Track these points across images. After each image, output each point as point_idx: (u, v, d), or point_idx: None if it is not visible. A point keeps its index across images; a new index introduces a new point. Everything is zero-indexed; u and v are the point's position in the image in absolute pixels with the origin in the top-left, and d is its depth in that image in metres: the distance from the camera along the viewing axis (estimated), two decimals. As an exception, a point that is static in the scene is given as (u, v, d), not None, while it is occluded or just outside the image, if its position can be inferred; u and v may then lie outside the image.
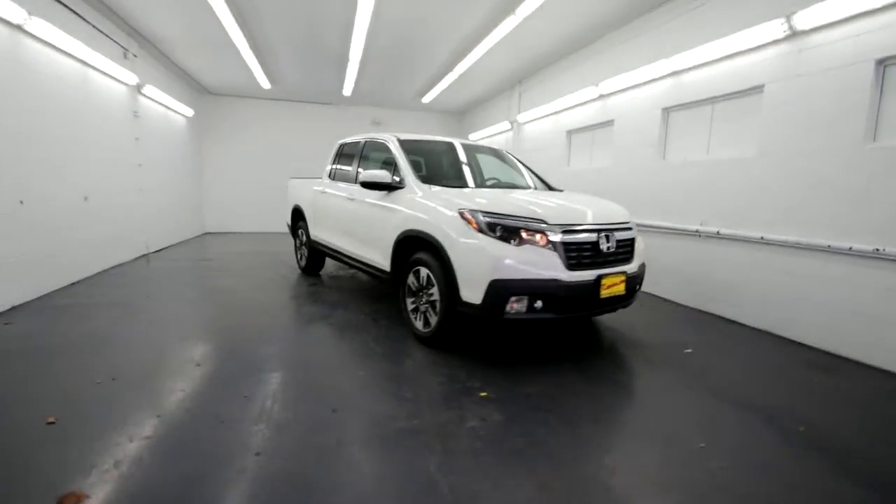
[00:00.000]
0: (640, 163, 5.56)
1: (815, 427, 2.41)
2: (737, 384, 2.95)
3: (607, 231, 3.20)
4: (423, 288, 3.38)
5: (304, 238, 5.88)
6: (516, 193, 3.70)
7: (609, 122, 6.18)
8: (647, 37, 5.34)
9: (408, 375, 2.92)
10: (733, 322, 4.33)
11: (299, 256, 6.26)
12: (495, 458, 2.01)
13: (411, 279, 3.51)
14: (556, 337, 3.77)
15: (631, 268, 3.33)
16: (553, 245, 2.94)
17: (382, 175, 3.81)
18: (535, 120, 8.18)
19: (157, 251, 7.65)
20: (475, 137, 11.09)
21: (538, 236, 2.93)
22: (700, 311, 4.69)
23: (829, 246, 3.49)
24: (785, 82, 3.85)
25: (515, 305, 2.89)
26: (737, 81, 4.29)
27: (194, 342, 3.38)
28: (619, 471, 1.97)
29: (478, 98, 10.33)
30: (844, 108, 3.43)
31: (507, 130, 9.30)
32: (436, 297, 3.22)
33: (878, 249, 3.19)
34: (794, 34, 3.73)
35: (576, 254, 3.01)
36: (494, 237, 2.92)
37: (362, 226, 4.25)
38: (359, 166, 4.70)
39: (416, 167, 3.97)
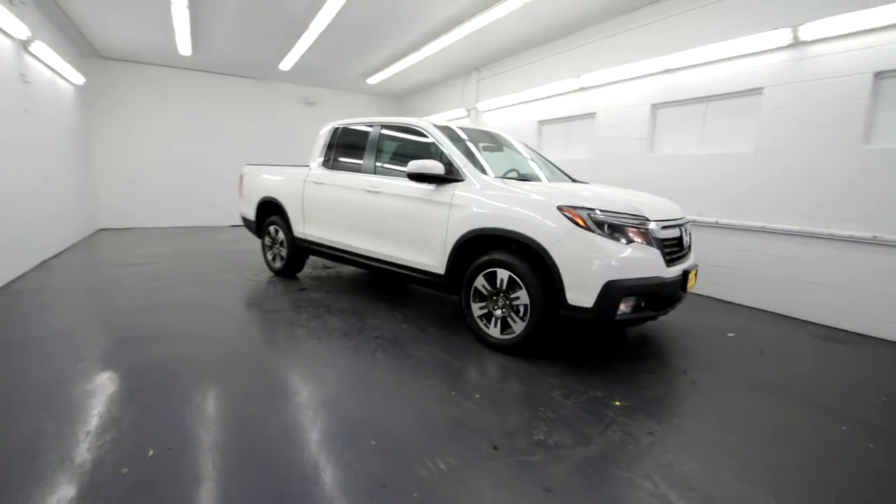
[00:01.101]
0: (627, 156, 5.81)
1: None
2: (788, 355, 3.25)
3: (683, 225, 3.26)
4: (502, 291, 3.09)
5: (283, 236, 5.06)
6: (566, 186, 3.56)
7: (590, 115, 6.35)
8: (636, 33, 5.54)
9: (525, 393, 2.63)
10: (728, 303, 4.79)
11: (271, 257, 5.39)
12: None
13: (481, 282, 3.20)
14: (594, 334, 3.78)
15: (694, 261, 3.44)
16: (655, 242, 2.89)
17: (436, 166, 3.38)
18: (499, 109, 8.09)
19: (55, 256, 6.01)
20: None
21: (639, 233, 2.85)
22: (698, 294, 5.09)
23: (829, 234, 4.00)
24: (785, 86, 4.28)
25: (623, 307, 2.78)
26: (735, 83, 4.66)
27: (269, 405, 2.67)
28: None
29: (426, 83, 9.91)
30: (843, 113, 3.91)
31: (464, 117, 9.09)
32: (523, 300, 2.97)
33: (875, 236, 3.73)
34: (796, 43, 4.14)
35: (668, 250, 3.00)
36: (604, 235, 2.76)
37: (397, 223, 3.75)
38: (377, 155, 4.13)
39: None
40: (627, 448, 2.09)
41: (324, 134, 4.77)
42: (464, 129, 3.96)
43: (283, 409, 2.31)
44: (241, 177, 5.81)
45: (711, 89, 4.88)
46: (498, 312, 3.15)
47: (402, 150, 4.09)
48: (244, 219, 5.87)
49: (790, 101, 4.25)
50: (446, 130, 3.77)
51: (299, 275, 5.41)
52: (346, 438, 2.06)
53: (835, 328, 4.01)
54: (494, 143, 4.32)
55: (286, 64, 8.36)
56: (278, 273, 5.30)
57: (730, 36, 4.56)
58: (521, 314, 3.02)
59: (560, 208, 2.84)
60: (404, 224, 3.70)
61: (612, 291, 2.70)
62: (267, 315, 3.84)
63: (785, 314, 4.37)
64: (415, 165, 3.41)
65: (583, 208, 2.81)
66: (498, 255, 3.10)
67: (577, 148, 6.67)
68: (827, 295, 4.05)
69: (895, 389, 2.87)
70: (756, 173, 4.54)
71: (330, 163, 4.57)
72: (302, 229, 4.76)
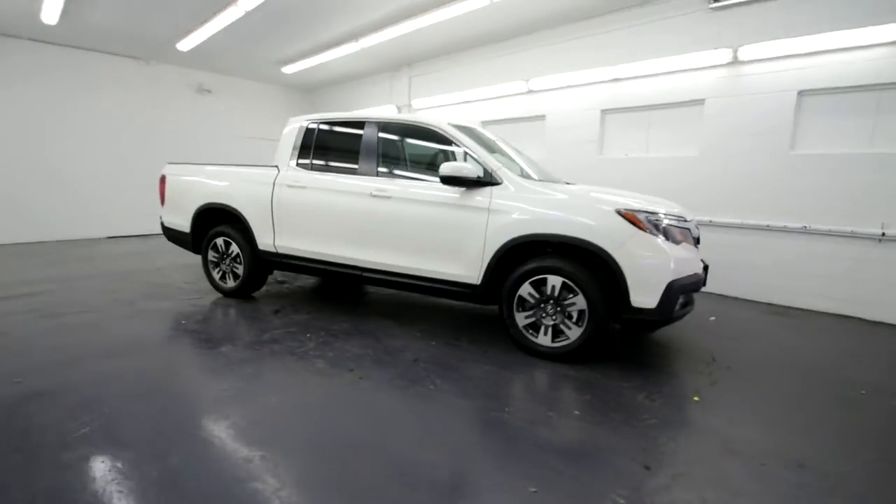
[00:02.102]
0: (578, 157, 6.15)
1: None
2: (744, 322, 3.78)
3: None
4: (553, 298, 3.00)
5: (237, 250, 4.24)
6: (575, 187, 3.60)
7: (540, 117, 6.57)
8: (586, 42, 5.88)
9: (615, 402, 2.56)
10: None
11: (218, 275, 4.47)
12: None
13: (527, 290, 3.06)
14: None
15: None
16: (693, 240, 3.07)
17: (470, 169, 3.13)
18: (436, 107, 7.92)
19: None
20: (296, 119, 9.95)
21: (682, 233, 3.00)
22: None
23: (767, 225, 4.74)
24: (725, 99, 4.93)
25: (677, 305, 2.90)
26: (680, 94, 5.23)
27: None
28: None
29: (348, 75, 9.26)
30: (773, 123, 4.66)
31: (394, 115, 8.70)
32: (580, 306, 2.92)
33: (805, 226, 4.53)
34: (735, 62, 4.80)
35: (696, 248, 3.22)
36: (661, 237, 2.84)
37: (417, 231, 3.38)
38: (379, 156, 3.66)
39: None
40: (752, 439, 2.17)
41: (292, 132, 4.09)
42: (470, 129, 3.74)
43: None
44: (163, 179, 4.71)
45: (658, 98, 5.41)
46: (549, 320, 3.05)
47: (412, 151, 3.72)
48: (169, 230, 4.78)
49: (729, 112, 4.92)
50: (465, 130, 3.51)
51: (257, 293, 4.60)
52: (504, 491, 1.77)
53: (783, 306, 4.74)
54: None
55: (187, 44, 7.04)
56: (231, 294, 4.43)
57: (676, 52, 5.10)
58: (574, 320, 2.97)
59: (619, 212, 2.85)
60: (427, 232, 3.35)
61: (673, 291, 2.80)
62: (259, 352, 3.14)
63: (739, 297, 5.04)
64: (449, 168, 3.12)
65: (641, 211, 2.86)
66: (548, 262, 2.99)
67: (527, 149, 6.83)
68: (770, 278, 4.79)
69: (857, 357, 3.51)
70: (701, 174, 5.17)
71: (310, 165, 3.94)
72: (272, 241, 4.03)
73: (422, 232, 3.37)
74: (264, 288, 4.80)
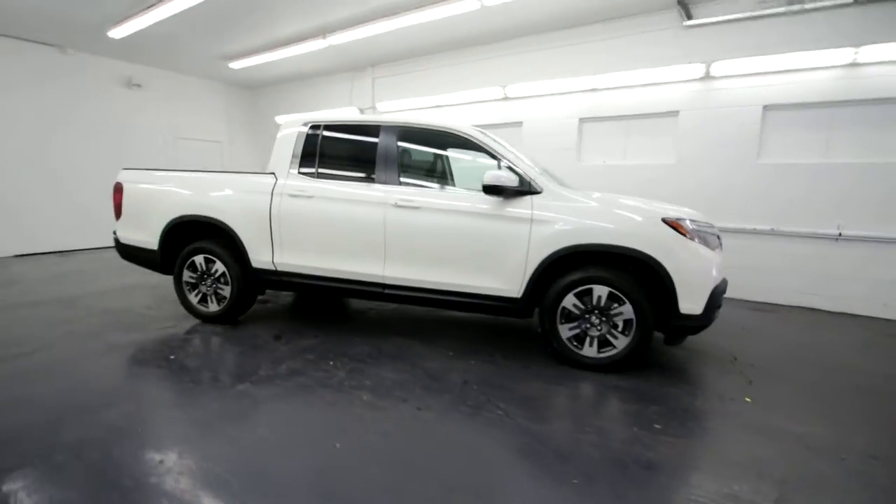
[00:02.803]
0: (556, 164, 6.25)
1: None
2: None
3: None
4: (600, 309, 2.97)
5: (222, 268, 3.72)
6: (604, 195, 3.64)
7: (516, 124, 6.60)
8: (565, 51, 6.01)
9: (685, 410, 2.59)
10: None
11: (197, 298, 3.89)
12: None
13: (571, 301, 3.01)
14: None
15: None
16: (720, 247, 3.21)
17: (512, 178, 3.00)
18: (405, 111, 7.67)
19: None
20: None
21: (715, 239, 3.12)
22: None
23: (739, 228, 5.15)
24: (697, 111, 5.29)
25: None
26: (655, 105, 5.53)
27: None
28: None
29: (302, 74, 8.70)
30: (742, 135, 5.08)
31: (356, 118, 8.30)
32: (627, 315, 2.92)
33: (773, 229, 4.98)
34: (707, 77, 5.16)
35: (716, 252, 3.37)
36: (703, 244, 2.92)
37: (450, 244, 3.18)
38: (399, 164, 3.39)
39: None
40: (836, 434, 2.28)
41: (290, 137, 3.68)
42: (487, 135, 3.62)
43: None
44: (119, 188, 4.03)
45: (635, 109, 5.67)
46: (594, 331, 3.01)
47: (434, 158, 3.50)
48: (126, 247, 4.09)
49: (702, 123, 5.28)
50: (486, 136, 3.37)
51: (242, 317, 4.08)
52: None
53: (760, 301, 5.14)
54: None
55: (122, 31, 6.12)
56: (213, 319, 3.88)
57: (652, 64, 5.38)
58: (620, 330, 2.96)
59: (665, 220, 2.89)
60: (462, 244, 3.17)
61: (716, 296, 2.90)
62: (286, 387, 2.75)
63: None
64: (493, 177, 2.97)
65: (684, 219, 2.92)
66: (593, 272, 2.96)
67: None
68: (746, 277, 5.19)
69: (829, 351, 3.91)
70: (676, 181, 5.50)
71: (315, 173, 3.55)
72: (269, 258, 3.59)
73: (456, 244, 3.18)
74: (259, 310, 4.28)
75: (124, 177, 4.06)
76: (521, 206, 3.07)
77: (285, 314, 4.27)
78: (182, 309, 4.10)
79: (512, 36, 6.31)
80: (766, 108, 4.95)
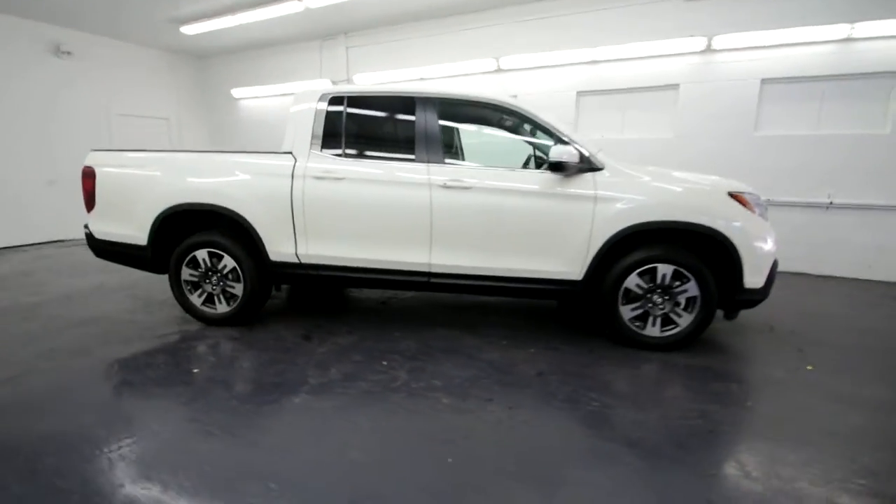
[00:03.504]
0: (553, 139, 6.15)
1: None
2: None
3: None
4: (663, 287, 2.89)
5: (232, 264, 3.25)
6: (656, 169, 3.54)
7: (510, 97, 6.34)
8: (562, 20, 5.80)
9: (752, 388, 2.59)
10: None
11: (201, 298, 3.39)
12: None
13: (634, 282, 2.91)
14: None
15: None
16: (766, 218, 3.23)
17: (575, 153, 2.80)
18: (385, 84, 7.15)
19: None
20: (247, 94, 8.48)
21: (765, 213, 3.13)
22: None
23: (737, 200, 5.31)
24: (697, 84, 5.34)
25: (768, 282, 3.03)
26: (655, 78, 5.51)
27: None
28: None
29: (260, 41, 7.84)
30: (739, 108, 5.19)
31: (329, 92, 7.66)
32: (692, 292, 2.87)
33: (769, 199, 5.19)
34: (708, 50, 5.20)
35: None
36: (763, 217, 2.91)
37: (506, 226, 2.94)
38: (443, 139, 3.07)
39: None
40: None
41: (308, 112, 3.20)
42: None
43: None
44: (90, 173, 3.37)
45: (635, 82, 5.63)
46: (657, 310, 2.94)
47: (478, 134, 3.21)
48: (103, 244, 3.47)
49: (701, 96, 5.34)
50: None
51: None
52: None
53: None
54: None
55: (51, -16, 5.11)
56: (220, 321, 3.40)
57: (653, 37, 5.33)
58: (683, 307, 2.92)
59: (731, 194, 2.84)
60: (519, 226, 2.94)
61: (774, 270, 2.92)
62: (350, 395, 2.44)
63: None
64: (559, 152, 2.76)
65: (747, 193, 2.88)
66: (658, 250, 2.87)
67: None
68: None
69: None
70: (675, 154, 5.56)
71: (342, 152, 3.14)
72: (292, 249, 3.17)
73: (513, 226, 2.95)
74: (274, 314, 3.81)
75: (95, 160, 3.39)
76: (584, 184, 2.89)
77: (294, 310, 3.86)
78: (178, 312, 3.60)
79: (506, 3, 5.99)
80: (763, 81, 5.08)
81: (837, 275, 5.05)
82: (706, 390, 2.54)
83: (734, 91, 5.19)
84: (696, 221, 2.79)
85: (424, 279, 3.12)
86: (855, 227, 4.91)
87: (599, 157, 2.94)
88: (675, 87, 5.48)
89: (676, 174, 3.09)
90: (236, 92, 8.59)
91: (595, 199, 2.87)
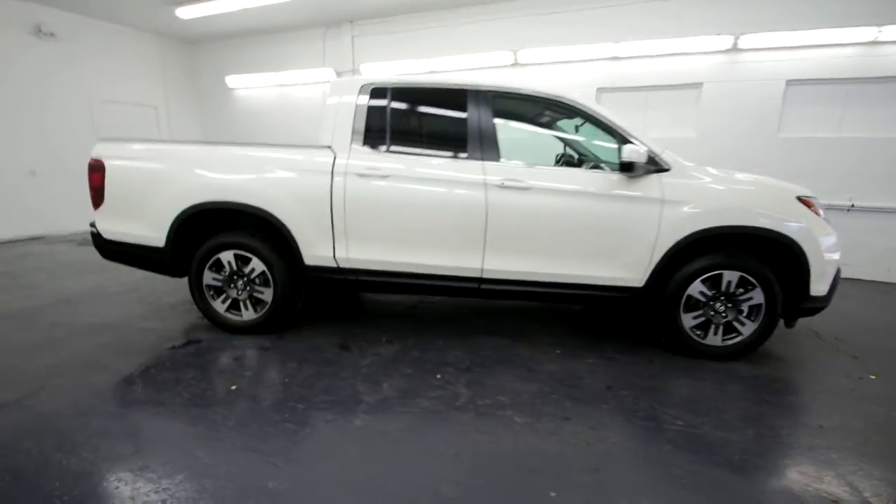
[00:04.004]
0: (571, 136, 6.01)
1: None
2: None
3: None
4: (727, 295, 2.77)
5: (261, 267, 2.98)
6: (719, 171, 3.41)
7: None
8: (587, 15, 5.64)
9: (829, 398, 2.50)
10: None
11: (225, 305, 3.11)
12: None
13: (698, 289, 2.78)
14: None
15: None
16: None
17: (641, 153, 2.64)
18: (397, 75, 6.86)
19: None
20: (242, 83, 8.06)
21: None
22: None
23: (758, 201, 5.29)
24: (721, 83, 5.27)
25: (828, 289, 2.95)
26: (679, 76, 5.42)
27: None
28: None
29: (258, 28, 7.44)
30: (763, 109, 5.15)
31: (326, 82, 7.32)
32: (757, 300, 2.76)
33: (790, 201, 5.17)
34: (733, 49, 5.12)
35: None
36: (826, 222, 2.82)
37: (567, 230, 2.77)
38: (498, 136, 2.87)
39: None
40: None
41: (349, 104, 2.95)
42: None
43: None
44: (98, 166, 3.03)
45: (657, 80, 5.53)
46: (719, 319, 2.82)
47: (536, 131, 3.04)
48: (116, 245, 3.15)
49: (725, 96, 5.28)
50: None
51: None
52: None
53: None
54: None
55: (38, -45, 4.64)
56: (248, 329, 3.13)
57: (678, 34, 5.23)
58: (746, 315, 2.81)
59: (799, 199, 2.73)
60: (582, 229, 2.77)
61: (838, 277, 2.83)
62: (414, 414, 2.23)
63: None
64: (629, 152, 2.59)
65: (812, 197, 2.79)
66: (724, 256, 2.74)
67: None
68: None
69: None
70: (697, 153, 5.47)
71: (387, 148, 2.90)
72: (330, 252, 2.92)
73: (573, 230, 2.78)
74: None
75: (103, 151, 3.06)
76: (650, 186, 2.74)
77: (318, 316, 3.59)
78: (192, 318, 3.33)
79: (524, -5, 5.80)
80: (788, 82, 5.04)
81: (855, 277, 5.08)
82: (783, 404, 2.44)
83: (759, 91, 5.14)
84: (769, 227, 2.67)
85: (475, 285, 2.92)
86: (875, 230, 4.94)
87: (665, 157, 2.79)
88: (698, 85, 5.40)
89: (739, 175, 2.97)
90: (231, 81, 8.15)
91: (662, 201, 2.72)
